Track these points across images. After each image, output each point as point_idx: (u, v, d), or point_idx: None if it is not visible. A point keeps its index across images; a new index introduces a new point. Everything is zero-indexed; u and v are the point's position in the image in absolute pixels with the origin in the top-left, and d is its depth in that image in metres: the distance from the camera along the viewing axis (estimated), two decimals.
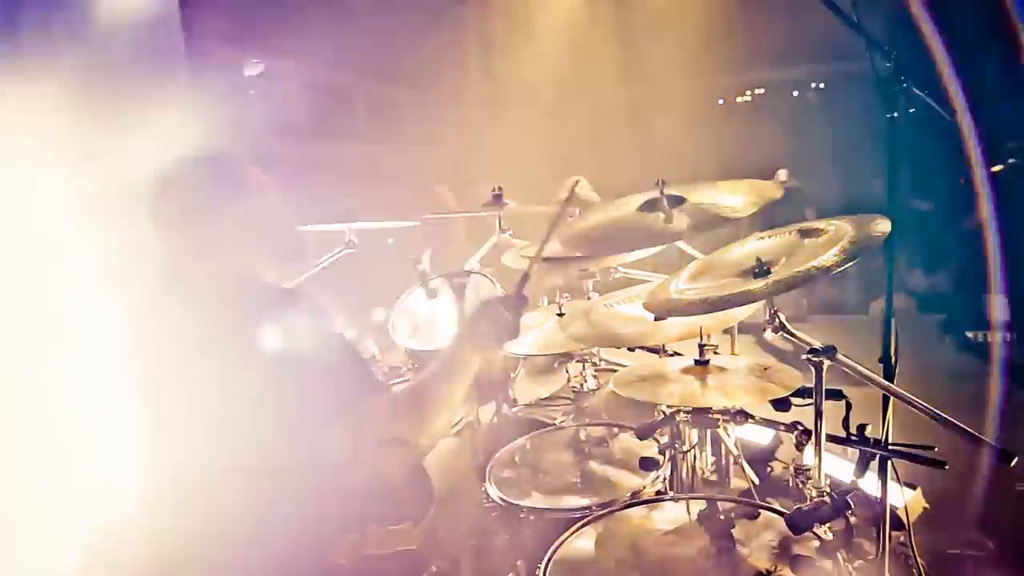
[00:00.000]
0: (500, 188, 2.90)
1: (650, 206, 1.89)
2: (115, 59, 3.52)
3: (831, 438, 1.58)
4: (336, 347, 1.37)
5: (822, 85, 13.11)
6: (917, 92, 1.51)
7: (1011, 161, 5.73)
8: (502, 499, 1.87)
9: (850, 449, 1.63)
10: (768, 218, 1.73)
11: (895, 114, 1.56)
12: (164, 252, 1.47)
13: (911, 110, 1.54)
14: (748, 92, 13.55)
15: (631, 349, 2.78)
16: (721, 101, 13.21)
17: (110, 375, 1.50)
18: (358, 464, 1.30)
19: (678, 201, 1.86)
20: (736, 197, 1.83)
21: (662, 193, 1.86)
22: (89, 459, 1.82)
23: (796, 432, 1.70)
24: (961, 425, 1.25)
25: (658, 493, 1.85)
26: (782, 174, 6.96)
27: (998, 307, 6.18)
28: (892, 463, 1.62)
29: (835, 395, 1.61)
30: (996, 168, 5.81)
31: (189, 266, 1.44)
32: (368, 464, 1.29)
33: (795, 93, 13.39)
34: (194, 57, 3.92)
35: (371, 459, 1.29)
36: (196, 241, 1.44)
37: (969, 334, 6.07)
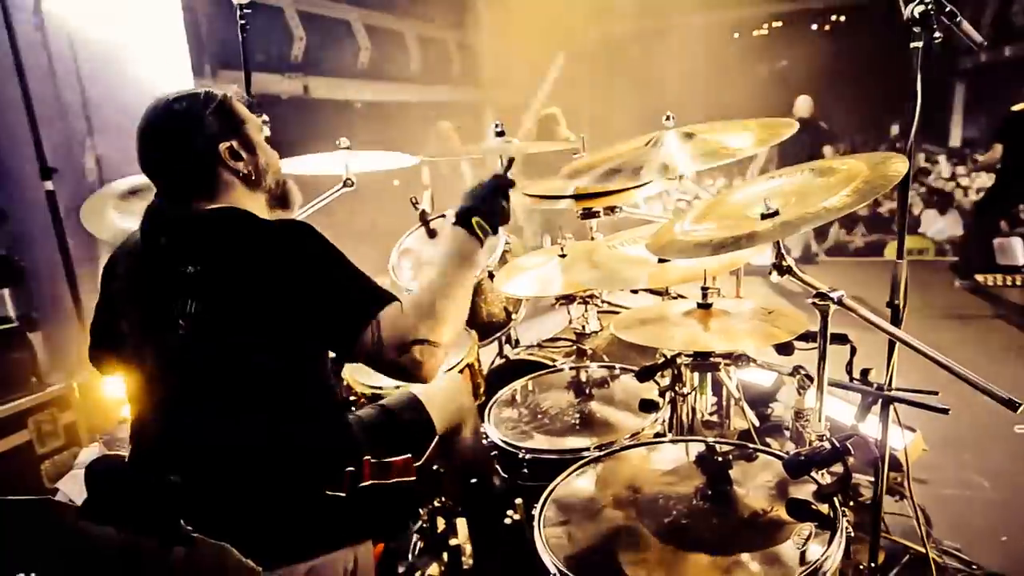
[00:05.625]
0: (502, 124, 2.80)
1: (657, 141, 1.82)
2: None
3: (834, 383, 1.56)
4: (342, 266, 1.36)
5: (842, 18, 12.64)
6: (945, 20, 1.41)
7: None
8: (502, 440, 1.88)
9: (852, 393, 1.62)
10: (785, 154, 1.66)
11: (920, 44, 1.47)
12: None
13: (936, 38, 1.45)
14: (765, 25, 13.07)
15: (634, 291, 2.75)
16: (737, 35, 12.75)
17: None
18: (391, 370, 1.32)
19: (686, 137, 1.79)
20: (745, 136, 1.75)
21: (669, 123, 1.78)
22: None
23: (798, 376, 1.69)
24: (965, 373, 1.22)
25: (657, 435, 1.86)
26: (802, 101, 6.74)
27: (1009, 250, 6.09)
28: (894, 406, 1.60)
29: (840, 339, 1.58)
30: (1018, 107, 5.61)
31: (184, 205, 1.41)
32: (399, 369, 1.31)
33: (813, 26, 12.91)
34: None
35: (403, 363, 1.30)
36: (198, 182, 1.42)
37: (979, 277, 6.01)
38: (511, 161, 1.58)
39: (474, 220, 1.47)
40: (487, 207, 1.49)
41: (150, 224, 1.43)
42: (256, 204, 1.49)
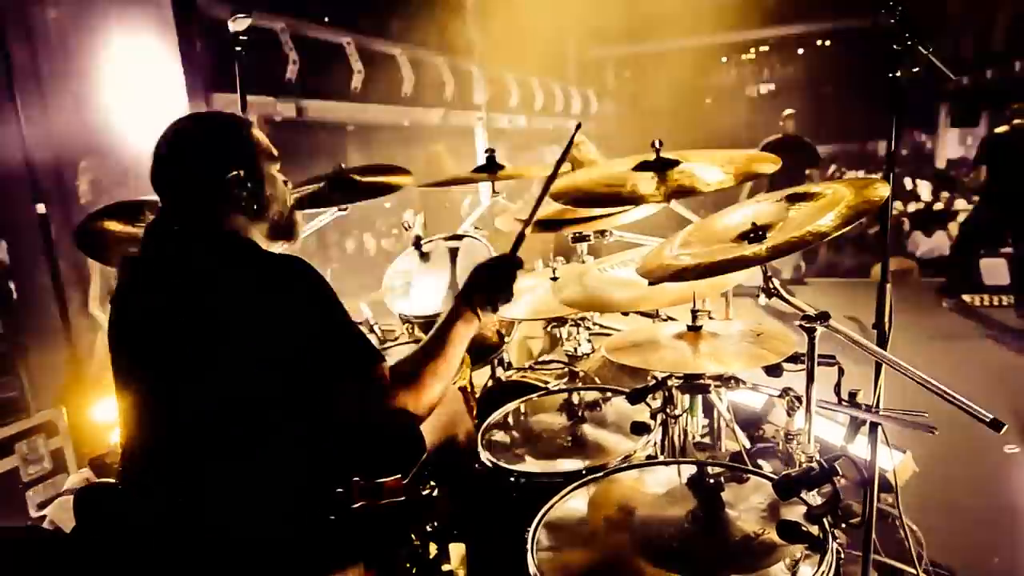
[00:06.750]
0: (493, 151, 2.84)
1: (644, 167, 1.85)
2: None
3: (822, 404, 1.58)
4: (337, 315, 1.36)
5: (827, 43, 12.89)
6: (922, 50, 1.45)
7: (1016, 122, 5.63)
8: (493, 463, 1.88)
9: (842, 414, 1.63)
10: (773, 175, 1.69)
11: (898, 73, 1.51)
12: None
13: (915, 69, 1.49)
14: (752, 50, 13.31)
15: (625, 314, 2.77)
16: (724, 59, 12.98)
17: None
18: (362, 434, 1.34)
19: (673, 164, 1.83)
20: (720, 172, 1.78)
21: (658, 154, 1.81)
22: None
23: (787, 397, 1.70)
24: (951, 395, 1.24)
25: (649, 457, 1.86)
26: (788, 115, 6.91)
27: (995, 271, 6.17)
28: (882, 427, 1.62)
29: (828, 361, 1.60)
30: (1001, 130, 5.72)
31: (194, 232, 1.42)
32: (372, 434, 1.33)
33: (800, 51, 13.16)
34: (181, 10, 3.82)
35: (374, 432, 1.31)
36: (201, 206, 1.42)
37: (967, 298, 6.08)
38: (520, 239, 1.59)
39: (476, 298, 1.49)
40: (493, 288, 1.51)
41: (148, 247, 1.43)
42: (258, 233, 1.49)
